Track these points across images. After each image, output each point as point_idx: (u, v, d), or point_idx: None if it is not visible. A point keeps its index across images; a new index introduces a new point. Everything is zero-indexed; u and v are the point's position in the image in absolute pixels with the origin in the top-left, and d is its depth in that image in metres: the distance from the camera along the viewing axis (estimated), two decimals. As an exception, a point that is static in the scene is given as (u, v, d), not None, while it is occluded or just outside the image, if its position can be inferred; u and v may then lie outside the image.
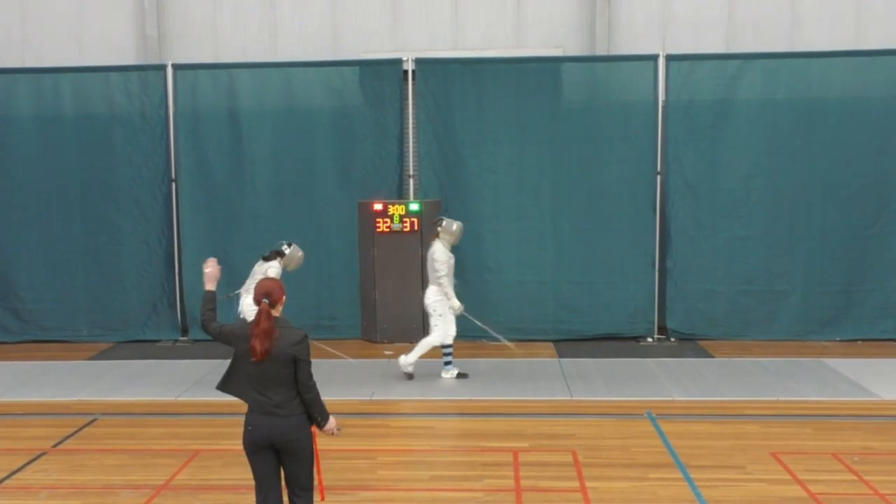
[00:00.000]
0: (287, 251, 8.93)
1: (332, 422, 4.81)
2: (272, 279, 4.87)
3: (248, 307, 8.64)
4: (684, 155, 10.81)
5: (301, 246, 11.12)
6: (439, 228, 9.04)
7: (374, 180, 11.12)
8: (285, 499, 4.83)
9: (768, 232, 10.81)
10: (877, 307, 10.77)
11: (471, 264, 11.12)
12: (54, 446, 7.21)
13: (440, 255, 8.88)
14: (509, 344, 10.08)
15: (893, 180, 10.65)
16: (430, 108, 11.04)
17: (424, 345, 9.04)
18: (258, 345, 4.56)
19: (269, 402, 4.62)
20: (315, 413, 4.73)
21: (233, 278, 11.13)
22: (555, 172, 10.95)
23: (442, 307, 8.95)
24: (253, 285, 8.53)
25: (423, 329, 10.90)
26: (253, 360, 4.58)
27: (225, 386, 4.78)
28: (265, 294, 4.67)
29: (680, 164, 10.82)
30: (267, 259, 8.85)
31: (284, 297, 4.76)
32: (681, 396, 8.45)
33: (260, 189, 11.20)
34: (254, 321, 4.63)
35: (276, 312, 4.70)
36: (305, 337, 4.70)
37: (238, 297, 8.89)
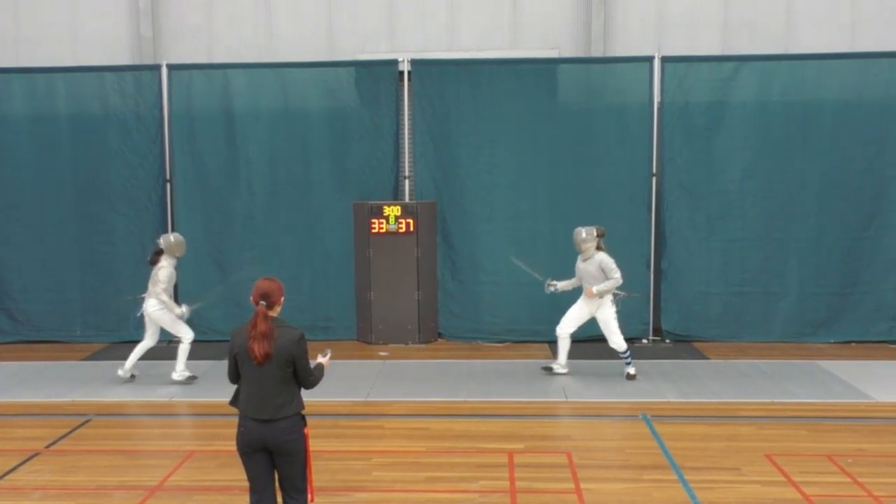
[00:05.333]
0: (163, 245, 8.82)
1: (322, 361, 4.97)
2: (271, 279, 4.78)
3: (150, 307, 8.78)
4: (679, 156, 10.83)
5: (296, 247, 11.19)
6: (601, 240, 8.96)
7: (370, 181, 11.11)
8: (279, 500, 4.82)
9: (763, 234, 10.83)
10: (871, 309, 10.80)
11: (466, 265, 11.13)
12: (47, 447, 7.18)
13: (609, 262, 8.83)
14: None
15: (888, 182, 10.68)
16: (426, 110, 11.03)
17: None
18: (257, 348, 4.55)
19: (269, 403, 4.60)
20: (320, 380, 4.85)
21: (226, 277, 11.16)
22: (550, 173, 10.95)
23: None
24: (154, 290, 8.68)
25: (419, 330, 10.94)
26: (255, 363, 4.57)
27: (235, 401, 4.78)
28: (263, 296, 4.66)
29: (675, 165, 10.84)
30: (154, 262, 8.84)
31: (283, 299, 4.76)
32: (675, 398, 8.45)
33: (255, 190, 11.18)
34: (251, 323, 4.61)
35: (273, 313, 4.70)
36: (303, 336, 4.71)
37: (143, 300, 8.94)
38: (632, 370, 9.14)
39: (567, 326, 9.18)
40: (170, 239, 8.90)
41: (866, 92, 10.62)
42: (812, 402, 8.28)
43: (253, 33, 11.91)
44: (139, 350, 9.05)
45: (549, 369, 9.36)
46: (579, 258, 9.07)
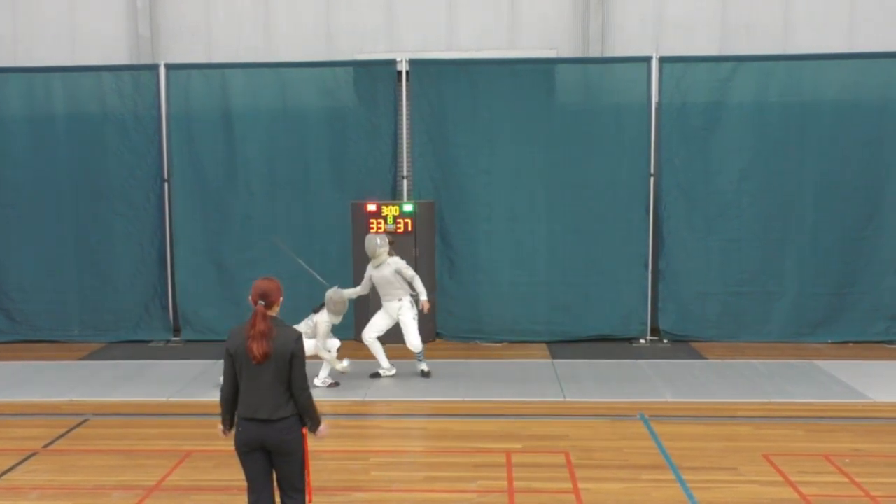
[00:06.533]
0: (327, 303, 8.49)
1: (323, 428, 4.80)
2: (270, 279, 4.79)
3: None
4: (677, 157, 10.84)
5: (295, 247, 11.13)
6: (392, 247, 9.15)
7: (368, 181, 11.11)
8: (277, 500, 4.82)
9: (761, 234, 10.84)
10: (869, 309, 10.81)
11: (464, 265, 11.13)
12: (45, 447, 7.17)
13: (405, 265, 9.04)
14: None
15: (885, 183, 10.70)
16: (424, 109, 11.03)
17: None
18: (256, 347, 4.55)
19: (267, 403, 4.60)
20: (308, 417, 4.71)
21: (224, 277, 11.18)
22: (548, 173, 10.96)
23: None
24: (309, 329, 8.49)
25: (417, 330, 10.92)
26: (253, 363, 4.57)
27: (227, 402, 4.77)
28: (262, 295, 4.66)
29: (673, 165, 10.85)
30: (317, 310, 8.63)
31: (282, 299, 4.76)
32: (673, 398, 8.46)
33: (253, 190, 11.17)
34: (249, 323, 4.61)
35: (272, 313, 4.70)
36: (301, 336, 4.72)
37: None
38: (425, 367, 9.21)
39: (370, 333, 9.22)
40: (334, 299, 8.49)
41: (864, 92, 10.63)
42: (809, 402, 8.29)
43: (251, 33, 11.90)
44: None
45: (376, 375, 9.26)
46: (370, 266, 9.09)
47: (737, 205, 10.83)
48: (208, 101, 11.10)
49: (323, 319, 8.57)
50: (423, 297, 9.02)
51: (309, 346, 8.37)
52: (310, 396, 4.71)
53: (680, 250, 10.93)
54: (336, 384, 8.88)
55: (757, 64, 10.77)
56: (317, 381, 8.78)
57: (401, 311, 9.11)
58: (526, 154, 10.96)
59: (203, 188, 11.17)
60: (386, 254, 9.02)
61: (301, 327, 8.50)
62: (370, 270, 9.14)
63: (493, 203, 11.04)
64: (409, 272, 9.01)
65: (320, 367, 8.81)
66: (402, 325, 9.15)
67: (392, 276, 8.99)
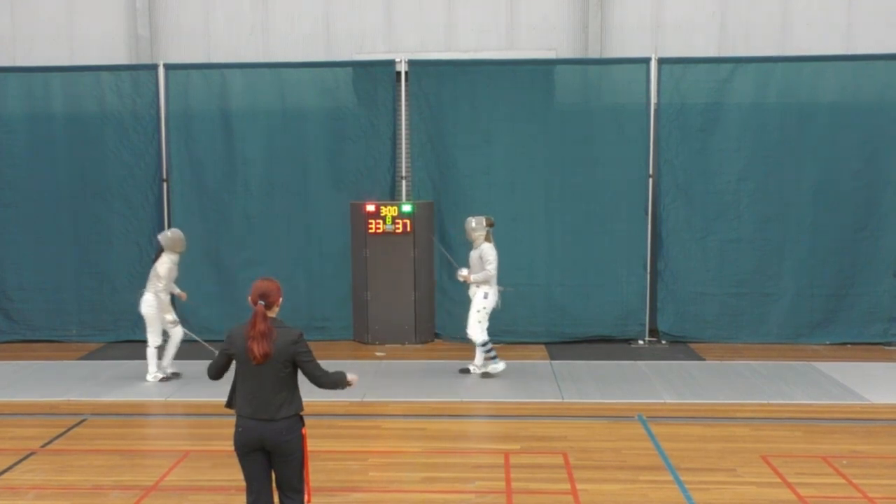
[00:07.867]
0: (162, 241, 8.90)
1: (352, 378, 4.89)
2: (269, 279, 4.77)
3: (144, 302, 8.86)
4: (676, 158, 10.85)
5: (293, 247, 11.20)
6: (490, 230, 9.15)
7: (367, 181, 11.11)
8: (276, 500, 4.82)
9: (759, 235, 10.86)
10: (866, 310, 10.82)
11: (463, 266, 11.09)
12: (43, 446, 7.17)
13: (487, 254, 9.01)
14: None
15: (883, 184, 10.71)
16: (423, 110, 11.04)
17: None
18: (256, 348, 4.53)
19: (267, 403, 4.59)
20: (338, 387, 4.82)
21: (223, 277, 11.17)
22: (547, 174, 10.97)
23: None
24: (151, 285, 8.77)
25: (415, 330, 10.96)
26: (253, 363, 4.56)
27: (231, 402, 4.76)
28: (262, 295, 4.64)
29: (672, 166, 10.86)
30: (156, 258, 8.93)
31: (281, 299, 4.75)
32: (671, 399, 8.47)
33: (252, 189, 11.18)
34: (250, 323, 4.60)
35: (272, 314, 4.69)
36: (301, 335, 4.69)
37: (141, 294, 8.99)
38: (488, 366, 9.17)
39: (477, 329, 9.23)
40: (167, 235, 8.96)
41: (861, 94, 10.65)
42: (807, 404, 8.30)
43: (250, 33, 11.90)
44: (169, 349, 9.09)
45: (485, 374, 9.29)
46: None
47: (735, 206, 10.84)
48: (207, 101, 11.11)
49: (162, 260, 8.78)
50: (464, 271, 9.12)
51: (151, 310, 8.76)
52: (327, 375, 4.76)
53: (678, 251, 10.94)
54: (167, 378, 9.03)
55: (755, 65, 10.79)
56: (148, 377, 9.01)
57: (474, 296, 9.15)
58: (525, 155, 10.97)
59: (202, 188, 11.18)
60: (481, 238, 9.07)
61: (149, 300, 8.77)
62: (471, 251, 9.26)
63: (491, 204, 11.00)
64: (488, 265, 8.95)
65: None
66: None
67: (476, 260, 9.06)
